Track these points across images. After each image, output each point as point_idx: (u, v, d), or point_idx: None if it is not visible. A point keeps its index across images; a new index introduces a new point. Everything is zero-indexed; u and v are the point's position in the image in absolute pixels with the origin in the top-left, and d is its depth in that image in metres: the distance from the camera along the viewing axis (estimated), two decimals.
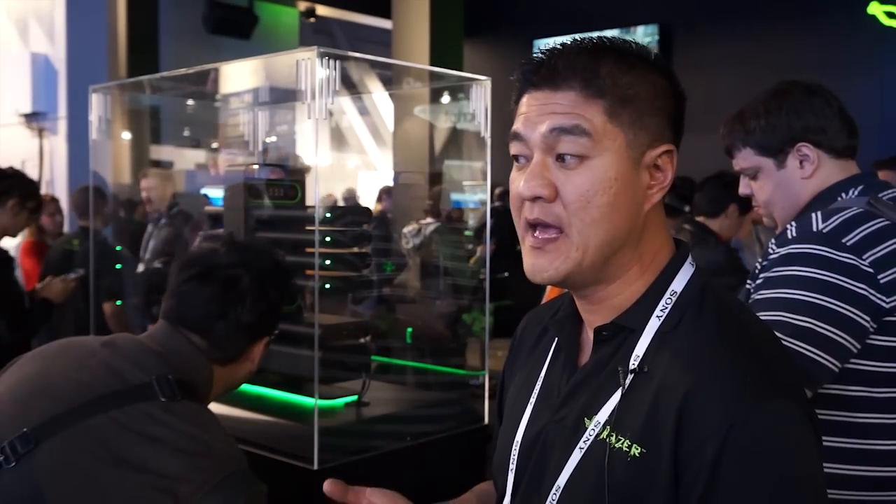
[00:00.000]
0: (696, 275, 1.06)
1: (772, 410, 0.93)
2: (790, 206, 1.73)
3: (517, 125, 1.04)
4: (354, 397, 2.59)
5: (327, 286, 2.62)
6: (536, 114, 1.01)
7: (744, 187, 1.82)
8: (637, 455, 0.95)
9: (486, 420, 2.75)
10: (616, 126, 0.99)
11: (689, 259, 1.08)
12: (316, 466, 2.25)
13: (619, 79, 1.00)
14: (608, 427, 0.99)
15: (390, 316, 3.73)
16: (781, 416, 0.94)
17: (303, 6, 12.08)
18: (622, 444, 0.97)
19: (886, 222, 1.57)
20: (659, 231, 1.07)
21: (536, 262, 1.03)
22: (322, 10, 12.16)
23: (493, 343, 3.06)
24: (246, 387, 2.74)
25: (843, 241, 1.53)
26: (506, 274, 9.28)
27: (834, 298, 1.51)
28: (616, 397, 1.00)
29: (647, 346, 1.01)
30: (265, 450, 2.41)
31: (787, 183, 1.72)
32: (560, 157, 1.00)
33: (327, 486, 1.07)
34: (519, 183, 1.02)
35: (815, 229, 1.57)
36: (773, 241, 1.66)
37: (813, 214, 1.60)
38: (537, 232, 1.02)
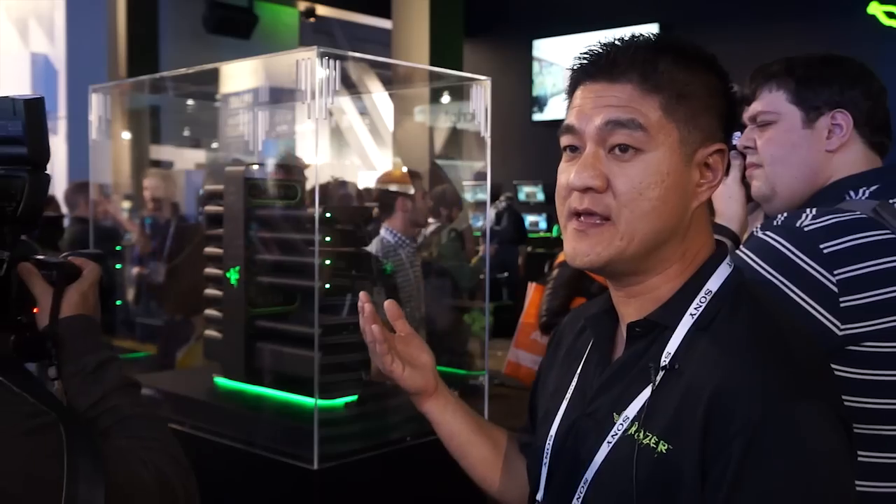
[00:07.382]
0: (732, 275, 1.06)
1: (799, 411, 0.92)
2: (803, 177, 1.53)
3: (571, 118, 1.04)
4: (354, 397, 2.59)
5: (327, 286, 2.62)
6: (591, 106, 1.01)
7: (745, 140, 1.59)
8: (664, 451, 0.96)
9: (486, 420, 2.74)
10: (671, 122, 1.00)
11: (728, 259, 1.08)
12: (316, 466, 2.25)
13: (676, 75, 1.01)
14: (636, 423, 0.99)
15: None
16: (809, 417, 0.93)
17: (303, 6, 12.08)
18: (650, 440, 0.97)
19: (889, 235, 1.35)
20: (703, 230, 1.07)
21: (578, 246, 1.02)
22: (322, 10, 12.16)
23: (492, 343, 3.06)
24: (246, 387, 2.74)
25: (822, 246, 1.33)
26: (505, 274, 9.23)
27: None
28: (645, 394, 1.00)
29: (679, 343, 1.01)
30: (265, 450, 2.41)
31: (806, 147, 1.52)
32: (613, 149, 1.00)
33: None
34: (569, 174, 1.02)
35: (797, 224, 1.38)
36: (757, 225, 1.50)
37: (808, 209, 1.42)
38: (582, 217, 1.02)
